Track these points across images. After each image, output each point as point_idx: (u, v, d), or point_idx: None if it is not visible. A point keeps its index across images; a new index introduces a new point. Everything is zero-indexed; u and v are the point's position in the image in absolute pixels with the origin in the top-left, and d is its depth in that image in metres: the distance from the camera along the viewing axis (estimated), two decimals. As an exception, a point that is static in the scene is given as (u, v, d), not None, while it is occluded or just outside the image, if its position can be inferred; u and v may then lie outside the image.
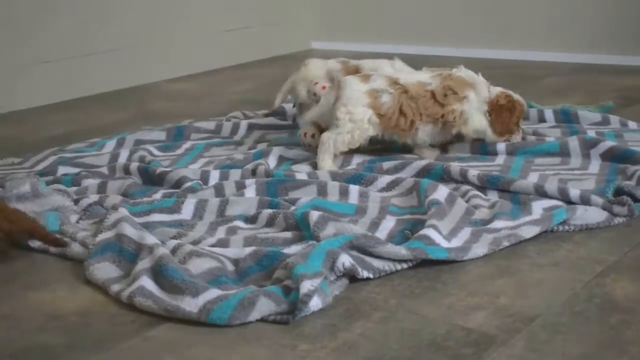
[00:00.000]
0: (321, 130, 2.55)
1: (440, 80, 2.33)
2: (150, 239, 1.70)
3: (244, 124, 2.89)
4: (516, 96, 2.41)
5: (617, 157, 2.19)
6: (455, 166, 2.12)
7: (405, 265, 1.67)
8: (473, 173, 2.06)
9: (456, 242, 1.75)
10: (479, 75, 2.40)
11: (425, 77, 2.36)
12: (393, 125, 2.30)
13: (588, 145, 2.25)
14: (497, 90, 2.40)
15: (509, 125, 2.38)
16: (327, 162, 2.29)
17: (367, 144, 2.36)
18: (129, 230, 1.75)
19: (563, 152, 2.27)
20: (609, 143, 2.25)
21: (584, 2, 4.02)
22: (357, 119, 2.28)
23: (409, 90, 2.30)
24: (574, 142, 2.27)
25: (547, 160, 2.26)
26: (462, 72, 2.38)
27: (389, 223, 1.88)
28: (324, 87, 2.55)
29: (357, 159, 2.36)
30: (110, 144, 2.70)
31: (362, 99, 2.28)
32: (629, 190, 1.92)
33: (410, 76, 2.38)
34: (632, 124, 2.59)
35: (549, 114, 2.71)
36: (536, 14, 4.19)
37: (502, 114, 2.37)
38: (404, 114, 2.30)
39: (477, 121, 2.35)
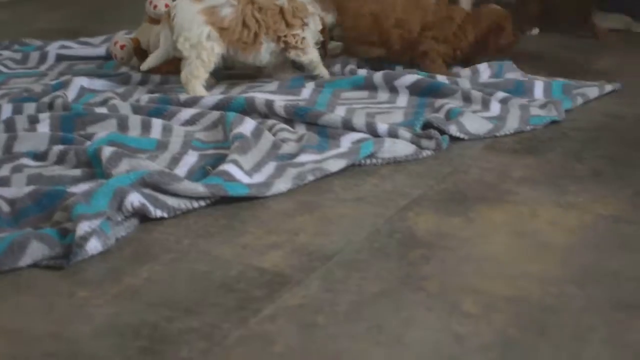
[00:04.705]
0: (137, 45, 2.40)
1: (287, 0, 2.24)
2: None
3: (52, 54, 2.70)
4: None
5: (424, 90, 2.14)
6: (260, 98, 2.01)
7: (203, 203, 1.56)
8: (280, 104, 1.96)
9: (259, 178, 1.65)
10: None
11: None
12: (236, 38, 2.19)
13: (392, 78, 2.19)
14: None
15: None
16: (197, 88, 2.16)
17: (222, 64, 2.26)
18: None
19: (368, 85, 2.21)
20: (414, 76, 2.19)
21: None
22: (194, 42, 2.14)
23: (256, 1, 2.20)
24: (378, 76, 2.21)
25: (354, 94, 2.19)
26: None
27: (190, 158, 1.76)
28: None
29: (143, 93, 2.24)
30: None
31: (197, 18, 2.14)
32: (437, 124, 1.88)
33: None
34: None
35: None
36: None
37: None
38: (247, 25, 2.19)
39: (314, 53, 2.30)
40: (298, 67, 2.36)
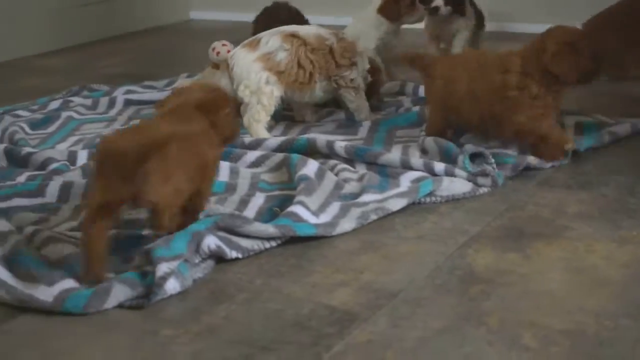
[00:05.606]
0: None
1: (337, 40, 2.34)
2: (3, 225, 1.64)
3: (120, 99, 2.83)
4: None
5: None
6: (321, 139, 2.11)
7: (273, 244, 1.65)
8: (340, 145, 2.05)
9: (325, 218, 1.74)
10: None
11: (324, 31, 2.37)
12: (293, 80, 2.29)
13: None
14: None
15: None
16: (260, 131, 2.28)
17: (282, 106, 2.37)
18: (-19, 218, 1.68)
19: (422, 122, 2.29)
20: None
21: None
22: (254, 88, 2.26)
23: (309, 42, 2.30)
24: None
25: (409, 132, 2.27)
26: (348, 36, 2.43)
27: (258, 200, 1.86)
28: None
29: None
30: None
31: (254, 66, 2.26)
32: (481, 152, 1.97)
33: (309, 29, 2.38)
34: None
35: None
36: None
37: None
38: (302, 67, 2.29)
39: (361, 97, 2.40)
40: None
